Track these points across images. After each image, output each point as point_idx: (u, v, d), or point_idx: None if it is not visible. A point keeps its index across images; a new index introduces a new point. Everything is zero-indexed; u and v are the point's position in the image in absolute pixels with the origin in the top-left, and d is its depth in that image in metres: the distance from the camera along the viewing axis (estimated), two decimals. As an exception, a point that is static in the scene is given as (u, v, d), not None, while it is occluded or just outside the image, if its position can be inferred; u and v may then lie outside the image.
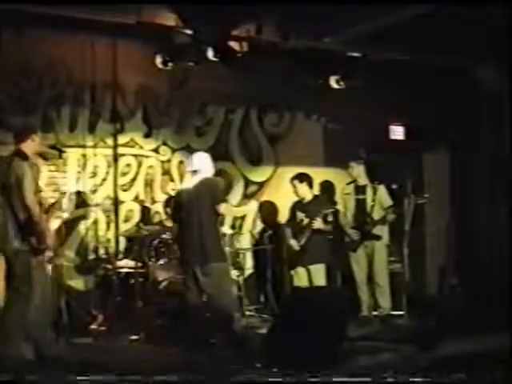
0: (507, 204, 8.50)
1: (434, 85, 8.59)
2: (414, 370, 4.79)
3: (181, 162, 8.00)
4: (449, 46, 7.43)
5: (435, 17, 6.57)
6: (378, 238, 7.51)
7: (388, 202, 7.58)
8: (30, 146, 5.57)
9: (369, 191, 7.61)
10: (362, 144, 8.51)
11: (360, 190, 7.65)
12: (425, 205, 7.95)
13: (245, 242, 8.28)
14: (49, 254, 5.71)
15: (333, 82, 7.93)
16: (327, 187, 8.41)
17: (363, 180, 7.65)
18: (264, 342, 5.55)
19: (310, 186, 7.33)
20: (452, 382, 4.55)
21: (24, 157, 5.50)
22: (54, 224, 5.89)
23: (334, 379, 4.69)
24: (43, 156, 6.93)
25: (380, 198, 7.57)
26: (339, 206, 7.63)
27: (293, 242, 7.24)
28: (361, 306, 7.48)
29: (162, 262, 6.99)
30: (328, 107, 8.56)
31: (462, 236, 9.18)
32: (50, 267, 5.71)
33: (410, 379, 4.65)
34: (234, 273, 7.57)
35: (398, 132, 9.01)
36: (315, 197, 7.38)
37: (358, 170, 7.63)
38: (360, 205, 7.61)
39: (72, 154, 7.34)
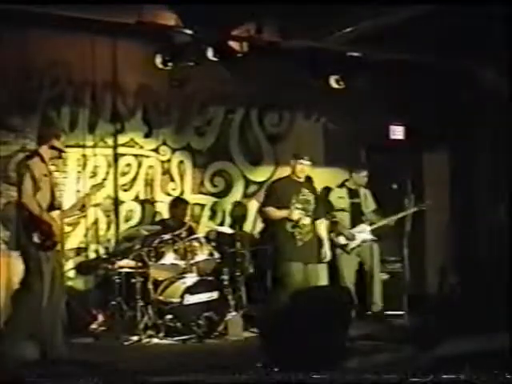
0: (507, 204, 8.50)
1: (433, 85, 8.59)
2: (414, 370, 4.79)
3: (181, 162, 8.02)
4: (449, 46, 7.43)
5: (435, 17, 6.58)
6: (373, 239, 7.73)
7: (372, 205, 7.91)
8: (47, 150, 5.70)
9: (361, 194, 7.86)
10: (362, 144, 8.54)
11: (353, 193, 7.88)
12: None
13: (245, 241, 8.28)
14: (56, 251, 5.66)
15: (333, 82, 7.93)
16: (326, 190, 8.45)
17: (359, 184, 7.86)
18: (264, 341, 5.54)
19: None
20: (452, 381, 4.55)
21: (32, 157, 5.61)
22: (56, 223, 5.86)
23: (333, 379, 4.69)
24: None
25: (366, 201, 7.87)
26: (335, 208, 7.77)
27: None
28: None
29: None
30: (328, 107, 8.57)
31: (462, 235, 9.19)
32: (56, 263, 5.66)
33: (410, 379, 4.65)
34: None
35: (397, 132, 9.02)
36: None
37: (363, 178, 7.88)
38: (354, 208, 7.82)
39: (72, 154, 7.34)
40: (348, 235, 7.68)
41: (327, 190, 8.17)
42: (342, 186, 7.96)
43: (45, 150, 5.69)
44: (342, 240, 7.70)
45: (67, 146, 7.07)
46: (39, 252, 5.47)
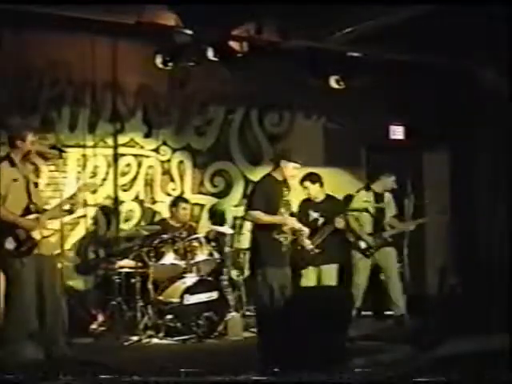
0: (507, 204, 8.50)
1: (433, 85, 8.59)
2: (414, 370, 4.79)
3: (181, 162, 8.02)
4: (449, 46, 7.43)
5: (435, 17, 6.58)
6: (392, 244, 7.55)
7: (393, 210, 7.66)
8: (16, 151, 5.53)
9: (386, 199, 7.64)
10: (362, 144, 8.54)
11: (378, 197, 7.65)
12: (425, 205, 7.98)
13: (245, 241, 8.27)
14: (36, 255, 5.49)
15: (333, 82, 7.93)
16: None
17: (385, 189, 7.66)
18: (264, 341, 5.54)
19: (321, 185, 7.25)
20: (452, 381, 4.55)
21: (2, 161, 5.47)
22: (54, 224, 5.82)
23: (333, 378, 4.70)
24: (43, 156, 6.95)
25: (389, 206, 7.66)
26: (356, 212, 7.53)
27: (306, 242, 6.87)
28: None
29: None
30: (328, 107, 8.57)
31: (462, 236, 9.19)
32: (41, 267, 5.52)
33: (410, 379, 4.65)
34: (234, 273, 7.60)
35: (398, 132, 9.03)
36: (328, 196, 7.30)
37: (392, 183, 7.65)
38: (377, 212, 7.60)
39: (72, 154, 7.34)
40: (367, 240, 7.51)
41: (348, 194, 8.02)
42: (368, 189, 7.67)
43: (16, 154, 5.49)
44: (362, 244, 7.52)
45: (67, 146, 7.12)
46: (12, 259, 5.34)
